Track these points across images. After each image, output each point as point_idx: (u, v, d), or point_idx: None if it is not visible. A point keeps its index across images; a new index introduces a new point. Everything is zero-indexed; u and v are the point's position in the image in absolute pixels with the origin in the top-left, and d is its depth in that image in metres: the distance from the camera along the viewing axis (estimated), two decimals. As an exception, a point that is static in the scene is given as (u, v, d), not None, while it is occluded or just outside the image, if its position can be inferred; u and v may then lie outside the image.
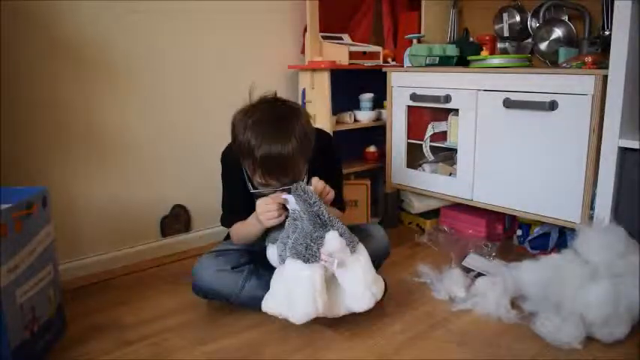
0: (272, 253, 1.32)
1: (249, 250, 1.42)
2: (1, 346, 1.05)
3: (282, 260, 1.27)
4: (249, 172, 1.35)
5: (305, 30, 2.07)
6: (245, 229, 1.41)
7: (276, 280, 1.28)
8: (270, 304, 1.27)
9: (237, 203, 1.44)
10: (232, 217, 1.47)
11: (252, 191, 1.41)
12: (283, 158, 1.26)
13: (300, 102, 2.08)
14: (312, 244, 1.21)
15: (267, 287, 1.37)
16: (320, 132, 1.50)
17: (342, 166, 1.62)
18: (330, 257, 1.21)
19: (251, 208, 1.36)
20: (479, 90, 1.75)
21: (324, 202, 1.30)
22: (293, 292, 1.21)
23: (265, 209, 1.30)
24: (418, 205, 2.12)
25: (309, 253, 1.21)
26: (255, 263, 1.40)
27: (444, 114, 1.94)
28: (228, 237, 1.61)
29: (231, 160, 1.42)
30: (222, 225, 1.52)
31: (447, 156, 2.04)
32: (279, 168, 1.28)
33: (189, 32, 1.81)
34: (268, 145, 1.24)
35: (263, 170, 1.28)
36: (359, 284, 1.25)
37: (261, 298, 1.36)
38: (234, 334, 1.31)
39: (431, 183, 1.97)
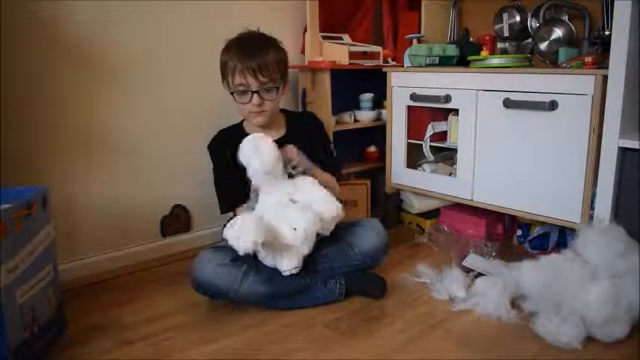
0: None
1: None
2: (1, 346, 1.05)
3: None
4: (230, 79, 1.50)
5: (305, 30, 2.07)
6: None
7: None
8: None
9: (230, 182, 1.53)
10: (229, 198, 1.55)
11: (236, 102, 1.53)
12: (260, 50, 1.47)
13: (300, 102, 2.08)
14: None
15: (266, 282, 1.37)
16: (303, 111, 1.82)
17: (327, 133, 1.80)
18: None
19: (243, 185, 1.46)
20: (479, 90, 1.75)
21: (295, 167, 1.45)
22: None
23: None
24: (418, 205, 2.12)
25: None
26: (255, 258, 1.40)
27: (444, 114, 1.94)
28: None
29: (218, 145, 1.61)
30: (222, 212, 1.58)
31: (447, 156, 2.04)
32: (256, 59, 1.46)
33: (190, 32, 1.81)
34: (244, 39, 1.51)
35: (241, 64, 1.45)
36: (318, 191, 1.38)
37: (260, 294, 1.36)
38: (234, 334, 1.31)
39: (431, 183, 1.97)
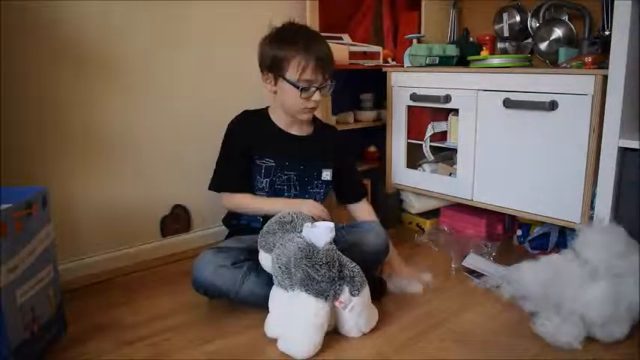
0: (265, 259, 1.32)
1: (250, 248, 1.42)
2: (1, 346, 1.05)
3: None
4: (296, 73, 1.46)
5: (305, 30, 2.06)
6: (267, 203, 1.52)
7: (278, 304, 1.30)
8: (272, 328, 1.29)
9: (234, 171, 1.54)
10: (225, 184, 1.57)
11: (300, 87, 1.47)
12: (328, 50, 1.49)
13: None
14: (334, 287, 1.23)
15: (266, 285, 1.37)
16: (331, 124, 1.81)
17: (352, 155, 1.81)
18: (348, 301, 1.24)
19: (245, 181, 1.53)
20: (479, 90, 1.75)
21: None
22: (300, 324, 1.21)
23: (318, 207, 1.49)
24: (418, 205, 2.12)
25: (327, 292, 1.21)
26: (255, 260, 1.40)
27: (444, 114, 1.94)
28: (228, 236, 1.61)
29: (238, 126, 1.58)
30: (210, 188, 1.60)
31: (447, 156, 2.04)
32: (327, 59, 1.47)
33: (189, 32, 1.80)
34: (315, 39, 1.49)
35: (315, 62, 1.44)
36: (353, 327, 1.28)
37: (260, 295, 1.36)
38: (234, 334, 1.31)
39: (431, 183, 1.97)
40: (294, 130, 1.60)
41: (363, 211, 1.70)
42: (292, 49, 1.45)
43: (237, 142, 1.57)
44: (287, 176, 1.56)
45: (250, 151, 1.54)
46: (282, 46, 1.47)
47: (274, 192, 1.56)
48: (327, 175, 1.62)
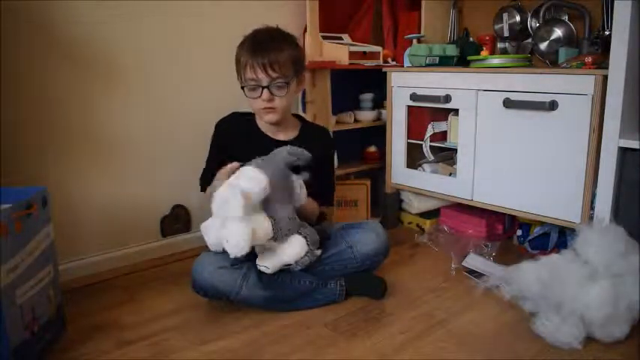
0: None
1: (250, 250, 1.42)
2: (1, 346, 1.05)
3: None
4: (243, 74, 1.47)
5: (305, 30, 2.07)
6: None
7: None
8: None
9: (212, 168, 1.52)
10: (204, 182, 1.58)
11: (247, 97, 1.49)
12: (272, 45, 1.44)
13: (300, 102, 2.08)
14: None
15: (266, 286, 1.37)
16: (320, 126, 1.73)
17: (334, 157, 1.74)
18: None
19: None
20: (479, 90, 1.75)
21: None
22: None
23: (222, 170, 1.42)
24: (418, 205, 2.12)
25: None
26: (254, 261, 1.40)
27: (444, 114, 1.94)
28: None
29: (224, 125, 1.59)
30: (200, 184, 1.61)
31: (446, 156, 2.04)
32: (267, 55, 1.43)
33: (189, 32, 1.81)
34: (258, 34, 1.48)
35: (252, 59, 1.43)
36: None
37: (260, 297, 1.36)
38: (234, 334, 1.31)
39: (431, 183, 1.97)
40: (281, 136, 1.57)
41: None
42: (241, 50, 1.48)
43: (218, 139, 1.59)
44: None
45: (228, 151, 1.51)
46: (237, 47, 1.50)
47: None
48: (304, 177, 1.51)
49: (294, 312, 1.41)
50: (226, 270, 1.38)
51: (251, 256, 1.40)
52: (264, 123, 1.57)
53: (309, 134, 1.62)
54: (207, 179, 1.55)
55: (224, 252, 1.39)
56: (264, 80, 1.45)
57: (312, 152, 1.42)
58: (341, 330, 1.32)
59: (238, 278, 1.37)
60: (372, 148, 2.26)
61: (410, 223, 2.16)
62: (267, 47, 1.45)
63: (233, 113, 1.62)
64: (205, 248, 1.41)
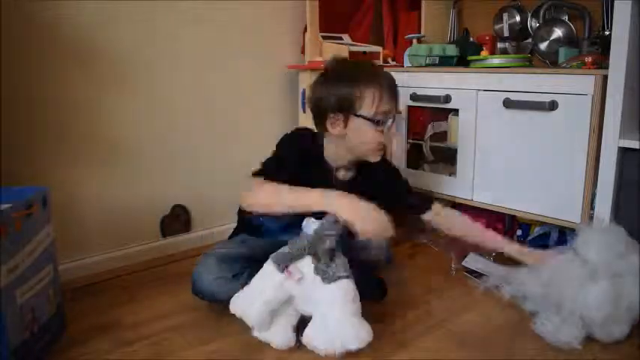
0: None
1: (253, 256, 1.39)
2: (1, 346, 1.05)
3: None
4: (370, 106, 1.37)
5: (305, 30, 2.07)
6: (292, 196, 1.31)
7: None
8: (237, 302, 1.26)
9: (282, 174, 1.36)
10: (268, 176, 1.38)
11: (379, 120, 1.39)
12: (395, 82, 1.45)
13: (300, 102, 2.08)
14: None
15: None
16: None
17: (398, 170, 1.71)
18: (298, 273, 1.20)
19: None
20: (479, 90, 1.74)
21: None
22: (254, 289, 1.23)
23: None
24: (418, 205, 2.12)
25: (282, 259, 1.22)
26: (255, 267, 1.38)
27: (444, 114, 1.94)
28: (235, 231, 1.58)
29: (301, 148, 1.46)
30: (264, 175, 1.39)
31: (447, 156, 2.04)
32: (396, 90, 1.44)
33: (189, 33, 1.81)
34: (377, 69, 1.49)
35: (389, 95, 1.40)
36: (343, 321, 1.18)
37: None
38: (234, 334, 1.31)
39: (431, 183, 1.97)
40: (340, 176, 1.50)
41: (448, 216, 1.65)
42: (362, 82, 1.36)
43: (296, 153, 1.45)
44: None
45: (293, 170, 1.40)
46: (349, 82, 1.36)
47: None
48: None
49: (294, 312, 1.41)
50: (227, 280, 1.35)
51: (251, 264, 1.38)
52: (332, 159, 1.48)
53: (365, 170, 1.52)
54: (272, 177, 1.37)
55: (229, 259, 1.38)
56: (394, 111, 1.43)
57: (375, 186, 1.44)
58: (341, 330, 1.32)
59: (238, 289, 1.36)
60: (372, 148, 2.26)
61: (410, 223, 2.16)
62: (388, 76, 1.44)
63: (300, 150, 1.46)
64: (205, 251, 1.40)
